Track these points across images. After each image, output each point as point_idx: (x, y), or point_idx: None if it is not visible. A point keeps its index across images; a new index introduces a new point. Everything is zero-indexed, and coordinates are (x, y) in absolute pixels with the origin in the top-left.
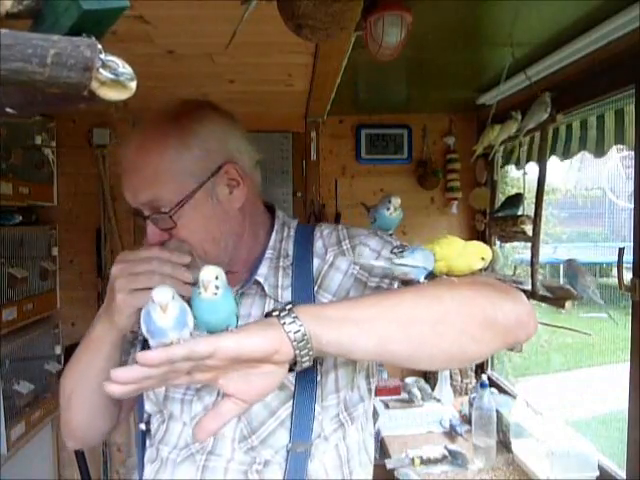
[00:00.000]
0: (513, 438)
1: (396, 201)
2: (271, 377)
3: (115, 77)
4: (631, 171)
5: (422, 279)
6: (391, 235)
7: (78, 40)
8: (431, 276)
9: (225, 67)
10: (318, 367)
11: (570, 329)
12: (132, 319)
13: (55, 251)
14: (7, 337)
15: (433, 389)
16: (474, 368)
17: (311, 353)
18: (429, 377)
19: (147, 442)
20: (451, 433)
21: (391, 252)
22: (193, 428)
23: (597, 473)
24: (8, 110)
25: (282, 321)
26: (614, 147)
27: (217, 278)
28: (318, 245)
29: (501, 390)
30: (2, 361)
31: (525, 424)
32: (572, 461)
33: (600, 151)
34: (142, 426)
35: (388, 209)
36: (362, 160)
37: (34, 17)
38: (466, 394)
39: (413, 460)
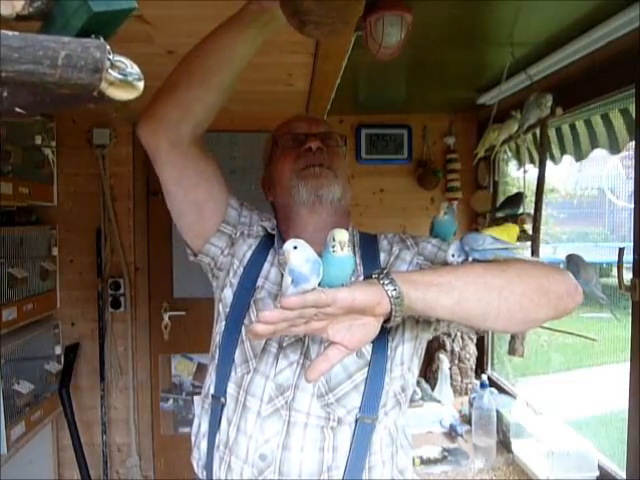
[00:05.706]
0: (513, 438)
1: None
2: (368, 328)
3: (124, 77)
4: (631, 171)
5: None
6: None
7: (88, 41)
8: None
9: None
10: (389, 343)
11: (577, 334)
12: None
13: (55, 251)
14: (7, 337)
15: (433, 389)
16: (474, 368)
17: (403, 309)
18: (429, 377)
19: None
20: (451, 433)
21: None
22: (307, 369)
23: (597, 473)
24: (17, 110)
25: (382, 281)
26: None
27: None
28: (383, 244)
29: (501, 390)
30: (2, 361)
31: (525, 424)
32: (572, 461)
33: (615, 147)
34: (223, 400)
35: (445, 213)
36: (362, 160)
37: (44, 19)
38: (466, 394)
39: (413, 460)
